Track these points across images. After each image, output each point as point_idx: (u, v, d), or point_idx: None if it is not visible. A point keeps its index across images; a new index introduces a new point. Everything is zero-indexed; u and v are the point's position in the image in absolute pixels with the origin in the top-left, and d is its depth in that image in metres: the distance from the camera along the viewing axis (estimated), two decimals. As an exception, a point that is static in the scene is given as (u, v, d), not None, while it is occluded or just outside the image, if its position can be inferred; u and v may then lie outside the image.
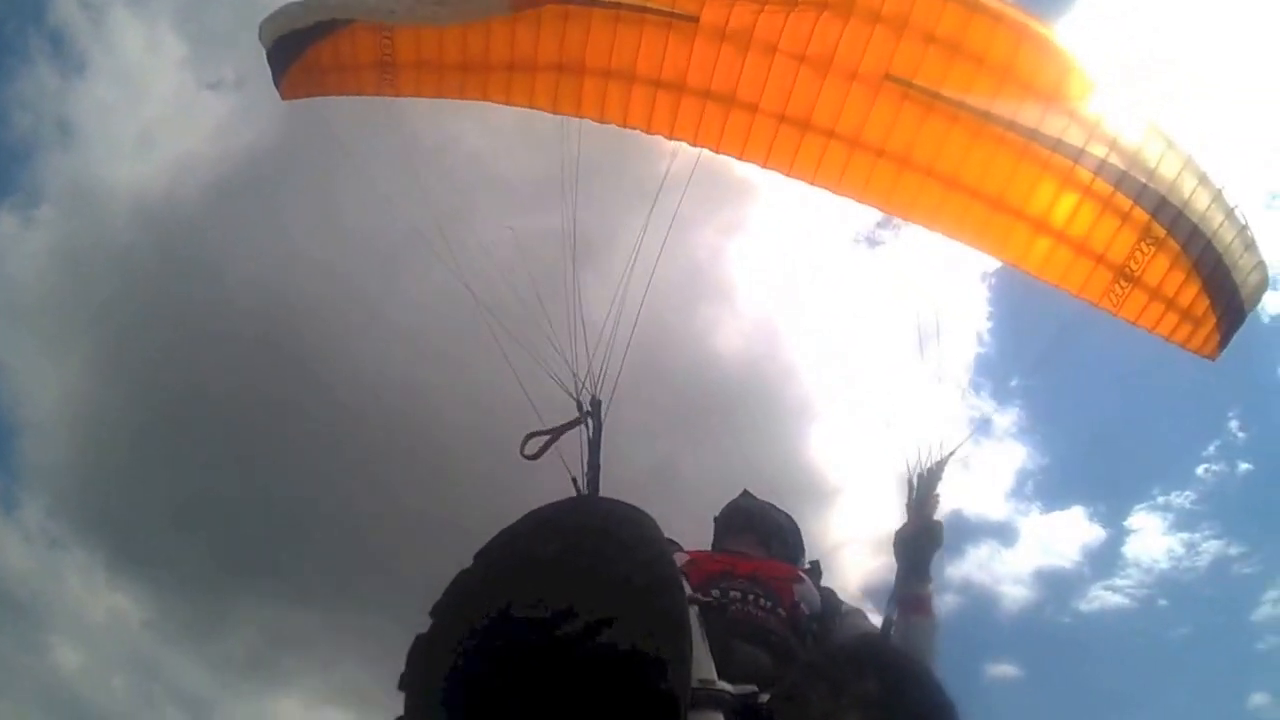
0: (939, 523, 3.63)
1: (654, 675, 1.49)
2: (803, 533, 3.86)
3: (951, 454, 3.78)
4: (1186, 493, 28.99)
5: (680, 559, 3.44)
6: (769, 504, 3.90)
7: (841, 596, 3.50)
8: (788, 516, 3.81)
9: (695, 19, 4.37)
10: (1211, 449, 29.33)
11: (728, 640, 2.88)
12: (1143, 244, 4.07)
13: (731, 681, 1.83)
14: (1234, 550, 27.31)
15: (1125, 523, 30.99)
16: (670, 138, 4.61)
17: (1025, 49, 3.87)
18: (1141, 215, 3.98)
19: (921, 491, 3.70)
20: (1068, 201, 4.13)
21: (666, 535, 3.57)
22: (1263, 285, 4.02)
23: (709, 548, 3.76)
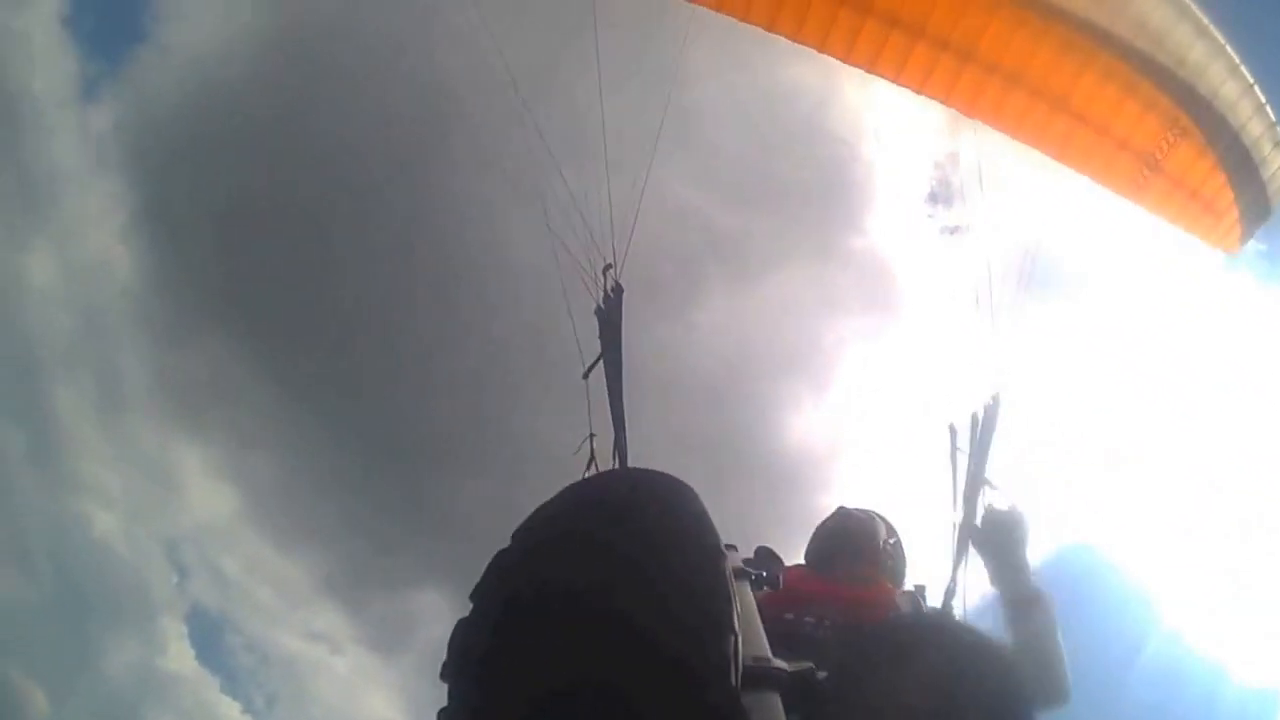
0: (1020, 512, 3.17)
1: (694, 647, 1.42)
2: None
3: (995, 426, 3.39)
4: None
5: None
6: (869, 515, 3.31)
7: None
8: (889, 527, 3.30)
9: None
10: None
11: None
12: (1169, 133, 3.86)
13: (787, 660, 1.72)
14: None
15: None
16: (744, 20, 4.35)
17: None
18: (1168, 104, 3.76)
19: (971, 475, 3.31)
20: (1089, 82, 3.92)
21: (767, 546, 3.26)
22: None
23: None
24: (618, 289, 3.88)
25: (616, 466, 3.57)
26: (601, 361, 3.78)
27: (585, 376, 3.80)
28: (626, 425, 3.67)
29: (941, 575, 3.26)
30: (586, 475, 3.46)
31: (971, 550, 3.20)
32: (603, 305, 3.87)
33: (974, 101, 4.35)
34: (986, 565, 3.06)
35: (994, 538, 3.10)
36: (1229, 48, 3.58)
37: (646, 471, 1.81)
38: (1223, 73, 3.60)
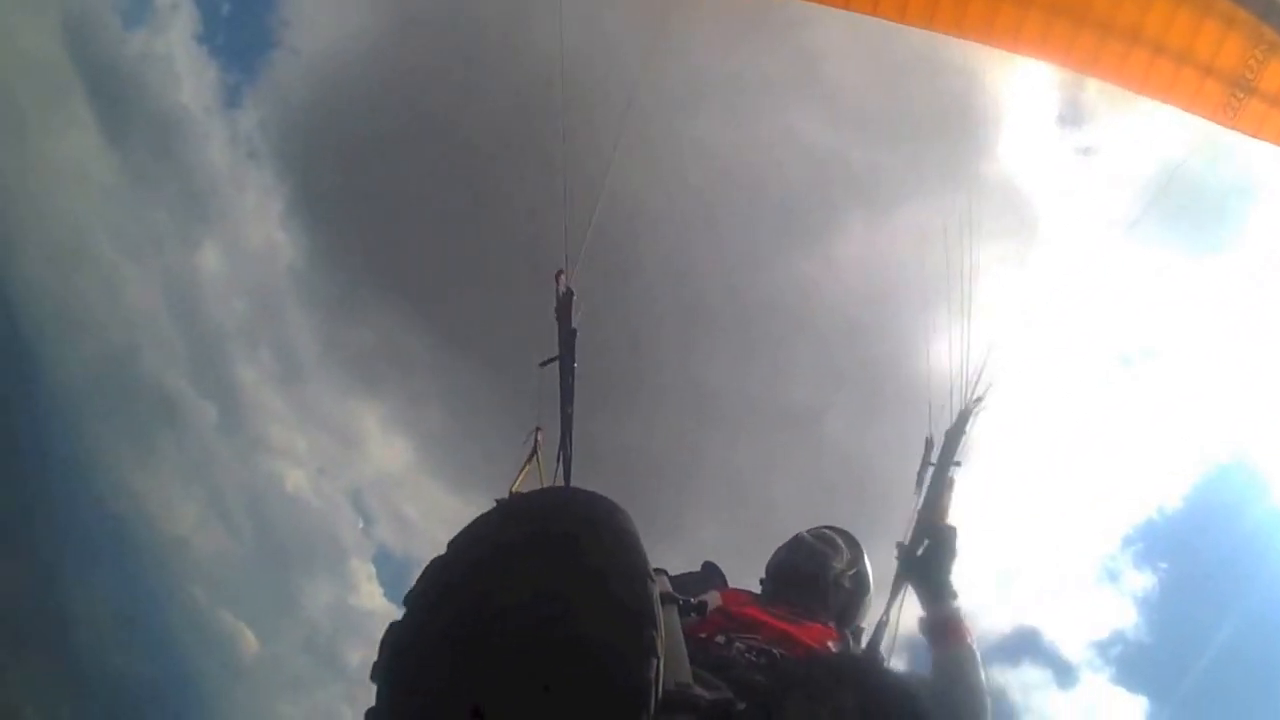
0: (951, 528, 2.91)
1: (616, 667, 1.50)
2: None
3: (962, 433, 3.14)
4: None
5: (711, 599, 2.79)
6: (828, 545, 3.16)
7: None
8: (854, 556, 3.16)
9: None
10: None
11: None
12: (1255, 50, 3.58)
13: (710, 686, 1.78)
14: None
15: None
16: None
17: None
18: (1249, 20, 3.48)
19: (933, 492, 3.05)
20: (1159, 9, 3.68)
21: (712, 562, 3.04)
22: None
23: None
24: (568, 294, 3.78)
25: (560, 473, 3.50)
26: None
27: (542, 366, 3.70)
28: (574, 433, 3.54)
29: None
30: (516, 487, 3.46)
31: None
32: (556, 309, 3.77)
33: (1042, 46, 4.14)
34: (914, 583, 2.85)
35: (925, 552, 2.87)
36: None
37: (581, 493, 1.93)
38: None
